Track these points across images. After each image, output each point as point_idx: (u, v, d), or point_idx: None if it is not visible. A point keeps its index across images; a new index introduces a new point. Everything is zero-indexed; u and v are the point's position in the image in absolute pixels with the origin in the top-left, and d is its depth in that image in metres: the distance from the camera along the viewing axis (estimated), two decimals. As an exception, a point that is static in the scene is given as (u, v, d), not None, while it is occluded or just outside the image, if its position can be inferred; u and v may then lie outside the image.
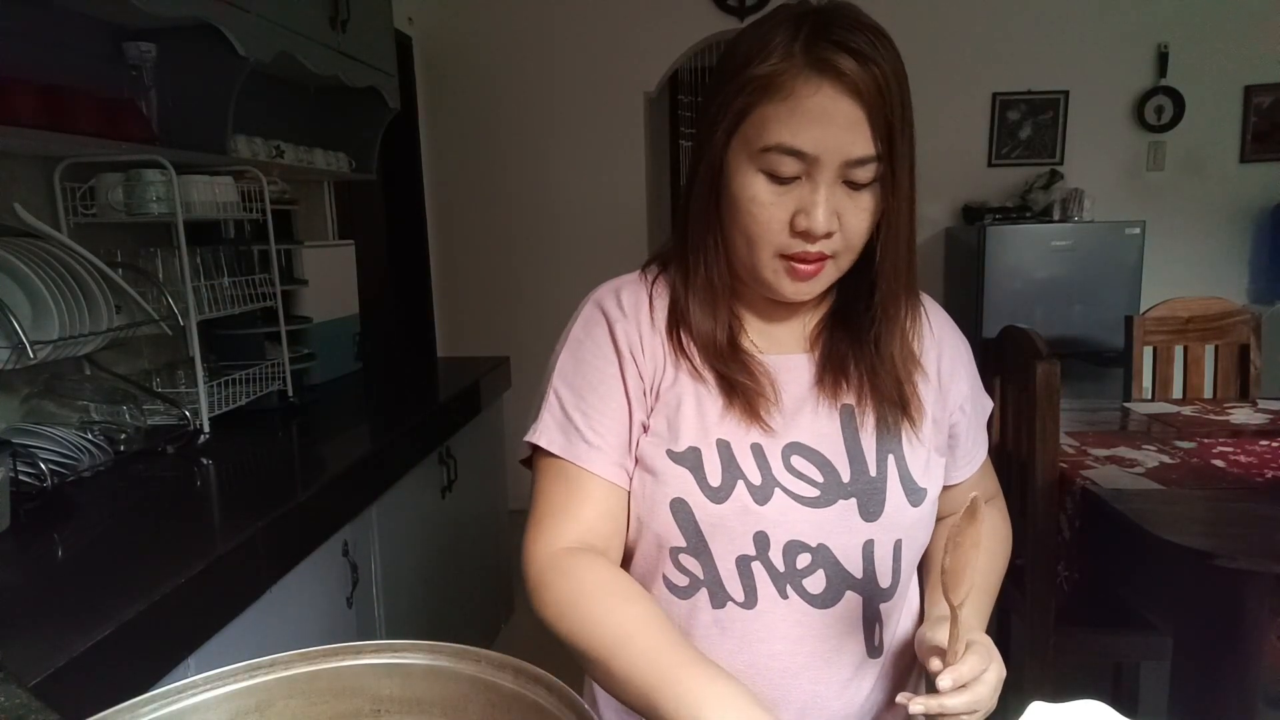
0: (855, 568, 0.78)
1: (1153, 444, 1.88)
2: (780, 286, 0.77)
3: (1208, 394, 2.45)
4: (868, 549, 0.78)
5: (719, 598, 0.78)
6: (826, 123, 0.69)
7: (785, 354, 0.83)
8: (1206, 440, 1.89)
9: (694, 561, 0.78)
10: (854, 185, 0.72)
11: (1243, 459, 1.74)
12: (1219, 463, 1.72)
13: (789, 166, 0.71)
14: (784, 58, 0.69)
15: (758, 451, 0.77)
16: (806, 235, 0.72)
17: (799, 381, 0.81)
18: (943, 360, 0.86)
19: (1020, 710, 0.64)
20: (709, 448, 0.77)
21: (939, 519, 0.91)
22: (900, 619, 0.84)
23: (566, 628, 0.72)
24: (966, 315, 3.43)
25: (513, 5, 3.60)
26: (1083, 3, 3.58)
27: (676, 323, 0.81)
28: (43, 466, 1.31)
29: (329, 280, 2.28)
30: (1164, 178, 3.70)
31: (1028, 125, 3.69)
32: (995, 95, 3.67)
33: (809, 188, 0.71)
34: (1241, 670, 1.36)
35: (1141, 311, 2.52)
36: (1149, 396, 2.44)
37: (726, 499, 0.76)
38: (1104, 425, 2.10)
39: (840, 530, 0.77)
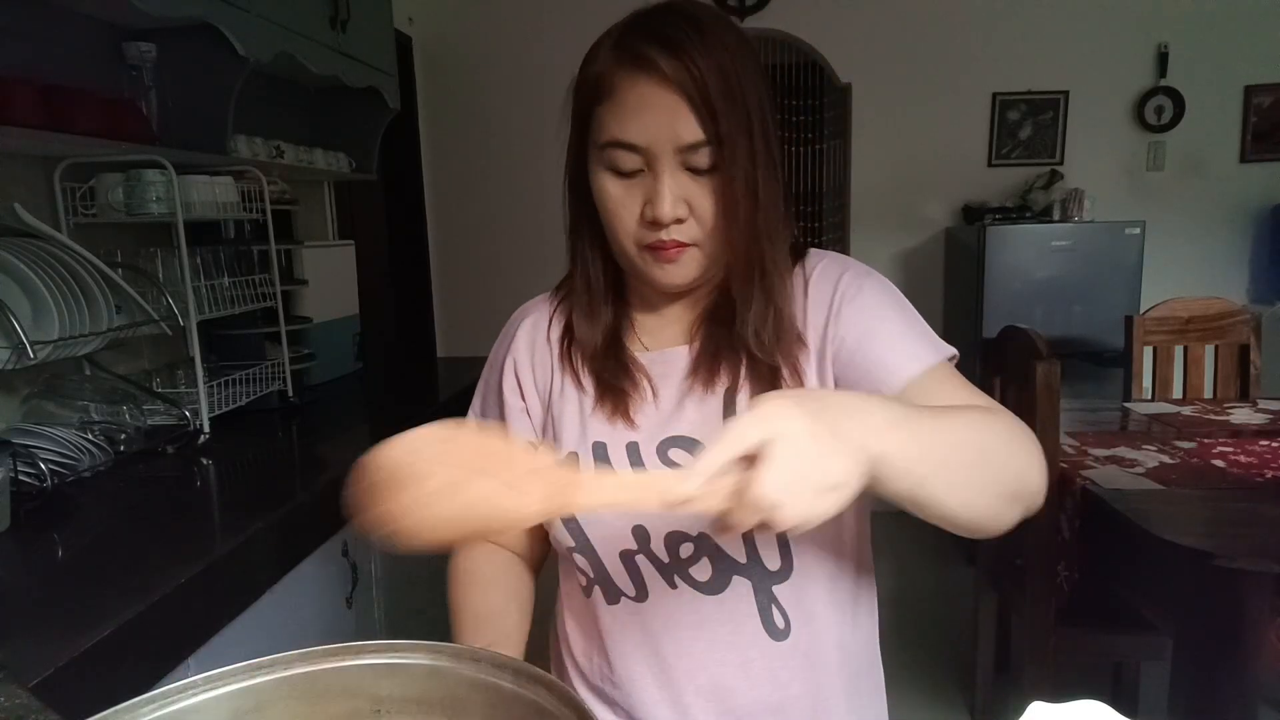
0: (738, 553, 0.78)
1: (1153, 444, 1.88)
2: (651, 274, 0.78)
3: (1208, 394, 2.45)
4: (749, 535, 0.78)
5: (611, 593, 0.82)
6: (648, 113, 0.71)
7: (667, 348, 0.85)
8: (1206, 440, 1.89)
9: (584, 560, 0.82)
10: (696, 171, 0.73)
11: (1243, 459, 1.74)
12: (1219, 463, 1.72)
13: (628, 160, 0.73)
14: (605, 57, 0.73)
15: (632, 449, 0.80)
16: (656, 224, 0.74)
17: (678, 373, 0.83)
18: (815, 318, 0.81)
19: (1020, 710, 0.64)
20: (585, 451, 0.81)
21: None
22: (809, 601, 0.81)
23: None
24: (966, 315, 3.43)
25: (513, 5, 3.60)
26: (1083, 3, 3.58)
27: (567, 334, 0.86)
28: (43, 466, 1.31)
29: (329, 280, 2.28)
30: (1164, 178, 3.70)
31: (1028, 125, 3.69)
32: (995, 95, 3.66)
33: (651, 178, 0.73)
34: (1241, 670, 1.36)
35: (1141, 311, 2.52)
36: (1149, 396, 2.44)
37: None
38: (1104, 425, 2.10)
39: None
